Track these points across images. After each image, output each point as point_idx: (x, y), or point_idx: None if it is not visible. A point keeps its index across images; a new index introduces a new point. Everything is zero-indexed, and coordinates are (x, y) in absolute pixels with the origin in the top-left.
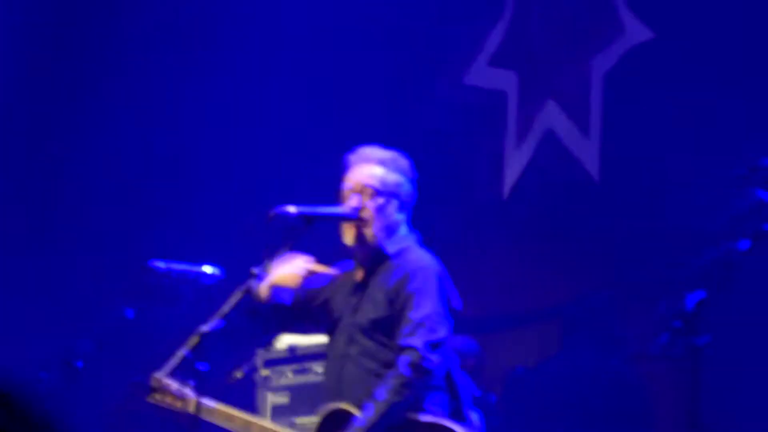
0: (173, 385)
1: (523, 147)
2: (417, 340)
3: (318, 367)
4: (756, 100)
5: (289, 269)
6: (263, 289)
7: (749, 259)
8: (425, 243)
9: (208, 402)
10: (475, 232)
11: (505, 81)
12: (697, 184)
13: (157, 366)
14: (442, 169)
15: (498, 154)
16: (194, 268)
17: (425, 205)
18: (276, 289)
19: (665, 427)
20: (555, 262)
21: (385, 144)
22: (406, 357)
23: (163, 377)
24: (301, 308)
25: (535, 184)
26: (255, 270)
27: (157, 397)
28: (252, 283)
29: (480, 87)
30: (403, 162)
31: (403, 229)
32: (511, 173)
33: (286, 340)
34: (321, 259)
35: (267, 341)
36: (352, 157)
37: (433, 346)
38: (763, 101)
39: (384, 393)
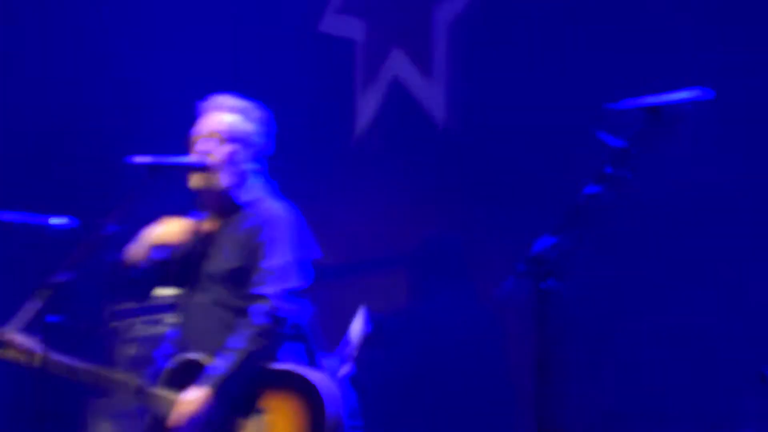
0: (18, 338)
1: (370, 94)
2: (269, 289)
3: (169, 318)
4: (601, 46)
5: (171, 226)
6: (139, 250)
7: (594, 204)
8: (280, 192)
9: (55, 355)
10: (327, 180)
11: (353, 29)
12: (542, 127)
13: (5, 320)
14: (294, 118)
15: (348, 101)
16: (39, 219)
17: (279, 153)
18: (155, 249)
19: (517, 373)
20: (404, 208)
21: (237, 94)
22: (258, 306)
23: (8, 332)
24: (169, 266)
25: (383, 131)
26: (105, 220)
27: (2, 352)
28: (105, 233)
29: (330, 34)
30: (257, 112)
31: (256, 179)
32: (360, 121)
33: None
34: (173, 210)
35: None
36: (204, 105)
37: (285, 294)
38: (608, 46)
39: (239, 341)
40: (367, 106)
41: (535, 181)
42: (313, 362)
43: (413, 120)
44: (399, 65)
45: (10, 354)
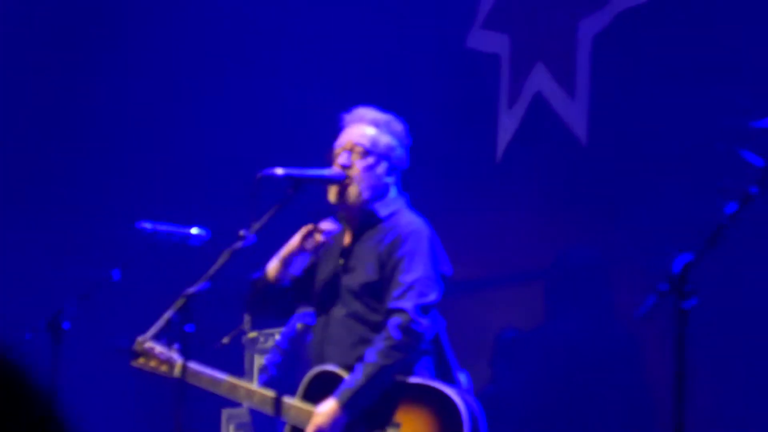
0: (158, 348)
1: (514, 109)
2: (407, 303)
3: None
4: (746, 62)
5: (294, 238)
6: (273, 267)
7: (736, 223)
8: (417, 206)
9: (194, 365)
10: (468, 195)
11: (499, 44)
12: (685, 147)
13: (143, 329)
14: (437, 132)
15: (492, 117)
16: (181, 230)
17: (419, 167)
18: (287, 261)
19: (653, 391)
20: (544, 224)
21: (381, 107)
22: (396, 319)
23: (147, 341)
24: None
25: (525, 147)
26: (242, 232)
27: (141, 362)
28: (238, 244)
29: (476, 50)
30: (398, 125)
31: (394, 192)
32: (504, 136)
33: None
34: (312, 222)
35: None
36: (347, 117)
37: (424, 309)
38: (752, 64)
39: (374, 356)
40: (511, 120)
41: (675, 199)
42: (447, 377)
43: (556, 136)
44: (542, 81)
45: (151, 364)
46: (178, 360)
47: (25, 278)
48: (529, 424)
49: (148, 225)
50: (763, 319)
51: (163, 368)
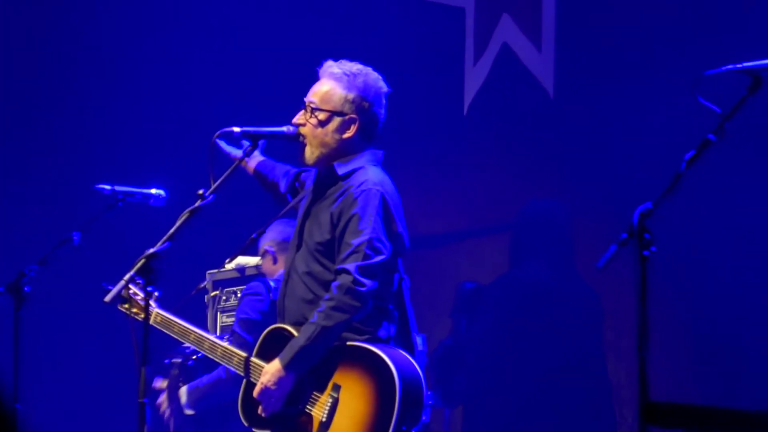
0: (140, 295)
1: (480, 62)
2: (351, 264)
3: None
4: (705, 15)
5: None
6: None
7: (693, 169)
8: (385, 163)
9: (168, 313)
10: (435, 148)
11: None
12: (648, 98)
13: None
14: (402, 87)
15: (458, 70)
16: (140, 191)
17: (388, 124)
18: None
19: (618, 336)
20: (512, 177)
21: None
22: (338, 281)
23: (132, 288)
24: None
25: (492, 100)
26: (201, 191)
27: (125, 306)
28: (198, 204)
29: (440, 3)
30: (363, 78)
31: (358, 148)
32: (470, 89)
33: (235, 261)
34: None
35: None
36: (319, 71)
37: (366, 270)
38: (707, 21)
39: (316, 316)
40: (478, 73)
41: (640, 150)
42: (404, 337)
43: (523, 89)
44: (508, 32)
45: (133, 310)
46: (155, 308)
47: None
48: (486, 374)
49: (107, 186)
50: (719, 264)
51: (142, 315)
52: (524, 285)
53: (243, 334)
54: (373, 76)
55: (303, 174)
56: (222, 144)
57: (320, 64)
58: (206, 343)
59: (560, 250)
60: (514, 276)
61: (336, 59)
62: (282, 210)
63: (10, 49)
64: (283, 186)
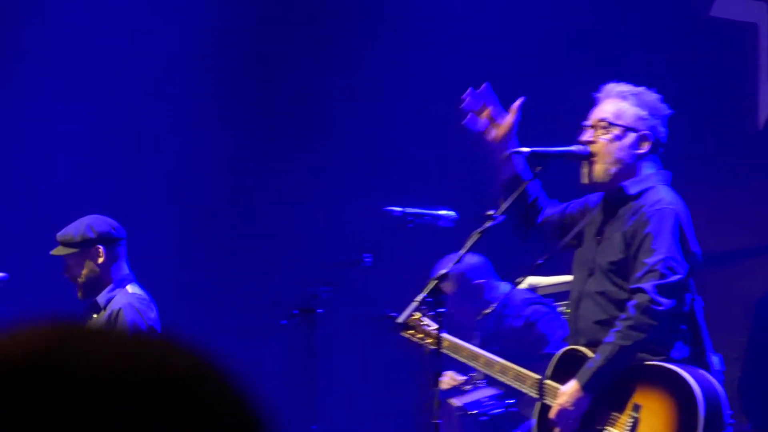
0: (425, 321)
1: None
2: (647, 284)
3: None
4: None
5: None
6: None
7: None
8: (674, 180)
9: (454, 339)
10: (726, 165)
11: (756, 12)
12: None
13: (396, 311)
14: (692, 104)
15: (751, 87)
16: (430, 212)
17: (676, 141)
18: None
19: None
20: None
21: (634, 83)
22: (635, 300)
23: (416, 314)
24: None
25: None
26: (490, 212)
27: (409, 333)
28: (487, 225)
29: (726, 19)
30: (649, 96)
31: (648, 168)
32: (765, 105)
33: (527, 281)
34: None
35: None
36: (599, 95)
37: (663, 289)
38: None
39: (613, 336)
40: None
41: None
42: (699, 358)
43: None
44: None
45: (417, 336)
46: (441, 333)
47: (277, 267)
48: None
49: (397, 208)
50: None
51: (428, 341)
52: None
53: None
54: (656, 97)
55: (570, 207)
56: (511, 164)
57: (598, 89)
58: (497, 366)
59: None
60: None
61: (621, 80)
62: (563, 240)
63: (298, 78)
64: (544, 214)
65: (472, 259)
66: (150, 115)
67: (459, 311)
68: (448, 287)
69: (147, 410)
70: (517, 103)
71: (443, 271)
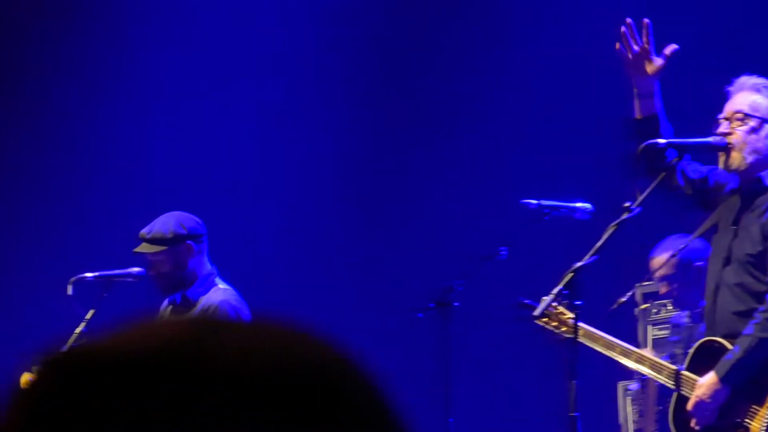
0: (560, 308)
1: None
2: None
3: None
4: None
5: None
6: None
7: None
8: None
9: (590, 328)
10: None
11: None
12: None
13: (520, 306)
14: None
15: None
16: (566, 205)
17: None
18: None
19: None
20: None
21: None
22: None
23: (552, 303)
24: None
25: None
26: (627, 204)
27: (545, 321)
28: (624, 217)
29: None
30: None
31: None
32: None
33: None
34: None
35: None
36: (731, 89)
37: None
38: None
39: (752, 328)
40: None
41: None
42: None
43: None
44: None
45: (553, 324)
46: (574, 323)
47: (414, 260)
48: None
49: (533, 201)
50: None
51: (563, 329)
52: None
53: None
54: None
55: (714, 174)
56: (646, 155)
57: (730, 83)
58: (633, 356)
59: None
60: None
61: (753, 73)
62: (700, 226)
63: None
64: (694, 187)
65: (692, 242)
66: (295, 115)
67: (681, 294)
68: (663, 271)
69: (290, 406)
70: (671, 47)
71: (579, 264)
